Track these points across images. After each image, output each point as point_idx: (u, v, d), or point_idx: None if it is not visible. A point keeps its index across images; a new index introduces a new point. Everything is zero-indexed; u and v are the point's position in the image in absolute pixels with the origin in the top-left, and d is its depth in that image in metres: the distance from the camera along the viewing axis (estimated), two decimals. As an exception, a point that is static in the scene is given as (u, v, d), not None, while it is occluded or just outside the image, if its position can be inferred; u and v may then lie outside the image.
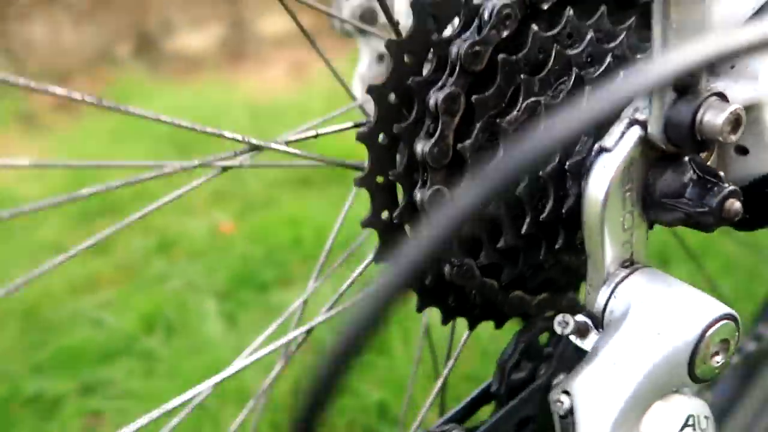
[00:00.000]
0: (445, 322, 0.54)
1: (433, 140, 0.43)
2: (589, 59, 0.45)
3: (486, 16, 0.42)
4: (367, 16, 0.69)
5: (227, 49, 4.04)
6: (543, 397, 0.56)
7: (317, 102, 3.37)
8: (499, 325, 0.57)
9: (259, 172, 2.58)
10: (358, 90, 0.73)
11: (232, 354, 1.59)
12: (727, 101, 0.36)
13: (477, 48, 0.42)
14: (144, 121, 0.43)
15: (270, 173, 2.56)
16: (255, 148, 0.45)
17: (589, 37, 0.45)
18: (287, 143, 0.47)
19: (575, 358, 0.56)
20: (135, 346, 1.62)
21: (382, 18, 0.70)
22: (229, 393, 1.35)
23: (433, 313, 1.08)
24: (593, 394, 0.38)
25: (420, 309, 0.52)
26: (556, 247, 0.47)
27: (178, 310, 1.73)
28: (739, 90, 0.40)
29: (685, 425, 0.39)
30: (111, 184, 0.39)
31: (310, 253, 1.89)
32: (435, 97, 0.42)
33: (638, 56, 0.47)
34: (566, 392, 0.40)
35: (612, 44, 0.46)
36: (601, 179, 0.39)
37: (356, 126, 0.48)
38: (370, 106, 0.73)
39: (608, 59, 0.45)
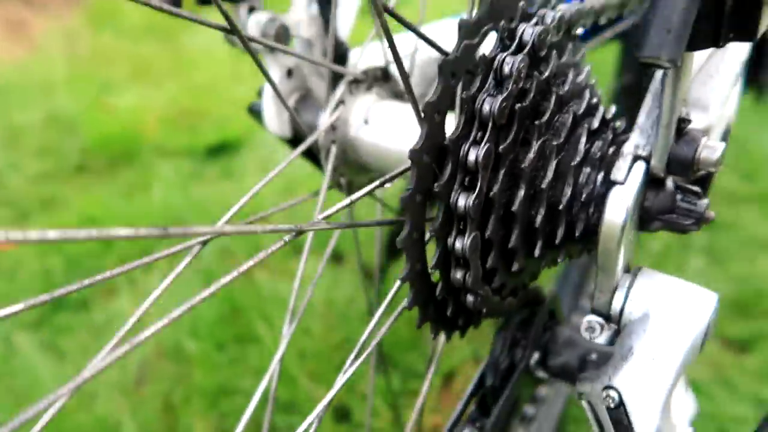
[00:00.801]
0: (449, 338, 0.58)
1: (474, 193, 0.45)
2: (572, 95, 0.50)
3: (506, 71, 0.44)
4: (281, 34, 0.64)
5: None
6: (525, 377, 0.65)
7: (59, 73, 2.90)
8: (477, 326, 0.63)
9: (16, 167, 2.18)
10: (271, 107, 0.69)
11: (78, 405, 1.39)
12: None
13: (505, 103, 0.44)
14: None
15: (32, 165, 2.18)
16: (301, 233, 0.42)
17: (570, 75, 0.50)
18: (325, 219, 0.44)
19: (545, 338, 0.65)
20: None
21: (293, 32, 0.66)
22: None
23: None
24: (641, 386, 0.46)
25: (435, 335, 0.55)
26: (558, 260, 0.54)
27: (-19, 355, 1.44)
28: (694, 120, 0.49)
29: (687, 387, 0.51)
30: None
31: (126, 255, 1.70)
32: (475, 154, 0.44)
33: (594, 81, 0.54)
34: (610, 387, 0.48)
35: (581, 77, 0.52)
36: (619, 208, 0.46)
37: (388, 180, 0.47)
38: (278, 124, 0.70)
39: (586, 92, 0.51)
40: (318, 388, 1.35)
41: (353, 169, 0.66)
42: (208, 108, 2.54)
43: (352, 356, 0.52)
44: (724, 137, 0.53)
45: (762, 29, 0.37)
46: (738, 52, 0.50)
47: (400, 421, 1.23)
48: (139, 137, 2.29)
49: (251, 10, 0.65)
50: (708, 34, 0.36)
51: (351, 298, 1.53)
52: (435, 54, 0.52)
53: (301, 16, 0.67)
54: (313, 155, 0.65)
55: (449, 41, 0.64)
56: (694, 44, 0.36)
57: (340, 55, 0.69)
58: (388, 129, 0.62)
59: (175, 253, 0.49)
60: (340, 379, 0.52)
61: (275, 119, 0.69)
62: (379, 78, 0.65)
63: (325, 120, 0.61)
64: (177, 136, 2.32)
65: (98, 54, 3.17)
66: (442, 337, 0.69)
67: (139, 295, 1.62)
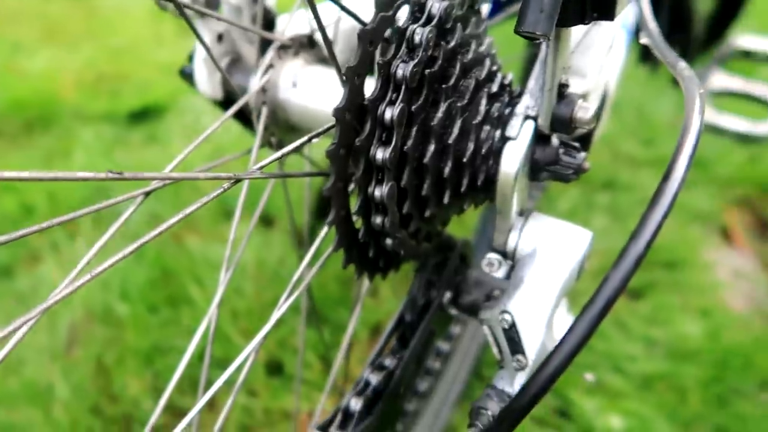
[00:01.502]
0: (372, 279, 0.65)
1: (390, 147, 0.51)
2: (474, 62, 0.58)
3: (417, 40, 0.51)
4: (211, 1, 0.68)
5: None
6: (439, 314, 0.73)
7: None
8: (397, 270, 0.71)
9: None
10: (203, 70, 0.72)
11: (5, 370, 1.39)
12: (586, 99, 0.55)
13: (416, 69, 0.51)
14: None
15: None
16: (238, 181, 0.47)
17: (473, 45, 0.58)
18: (261, 169, 0.49)
19: (456, 279, 0.74)
20: None
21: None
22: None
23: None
24: (529, 309, 0.56)
25: (359, 275, 0.62)
26: (464, 207, 0.62)
27: None
28: (574, 85, 0.58)
29: (569, 309, 0.61)
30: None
31: (49, 221, 1.66)
32: (390, 113, 0.51)
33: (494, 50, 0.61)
34: (505, 311, 0.57)
35: (483, 47, 0.59)
36: (513, 160, 0.55)
37: (315, 136, 0.53)
38: (210, 87, 0.74)
39: (487, 60, 0.59)
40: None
41: (283, 128, 0.72)
42: (128, 71, 2.47)
43: (285, 294, 0.58)
44: (603, 101, 0.63)
45: (619, 10, 0.45)
46: (610, 28, 0.59)
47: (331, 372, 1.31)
48: (55, 101, 2.21)
49: (182, -24, 0.68)
50: (575, 13, 0.44)
51: (281, 259, 1.59)
52: (358, 24, 0.58)
53: (229, -18, 0.71)
54: (244, 116, 0.69)
55: (369, 11, 0.71)
56: (564, 21, 0.44)
57: (268, 21, 0.74)
58: (315, 92, 0.68)
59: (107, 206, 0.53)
60: (275, 315, 0.58)
61: (207, 82, 0.73)
62: (305, 44, 0.71)
63: (255, 83, 0.66)
64: (97, 100, 2.26)
65: (2, 14, 2.98)
66: (363, 286, 0.76)
67: (63, 261, 1.60)
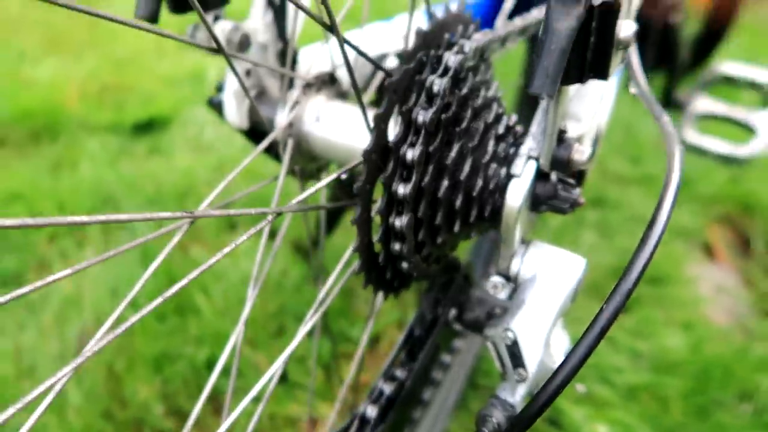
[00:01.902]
0: (386, 297, 0.72)
1: (411, 184, 0.58)
2: (483, 106, 0.65)
3: (435, 90, 0.58)
4: (243, 42, 0.74)
5: None
6: (444, 330, 0.80)
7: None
8: (408, 288, 0.77)
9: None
10: (232, 102, 0.79)
11: (18, 374, 1.43)
12: (581, 143, 0.62)
13: (434, 116, 0.58)
14: None
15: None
16: (280, 214, 0.53)
17: (482, 92, 0.65)
18: (298, 203, 0.56)
19: (461, 297, 0.81)
20: None
21: (251, 38, 0.76)
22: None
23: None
24: (530, 327, 0.63)
25: (376, 293, 0.69)
26: (471, 235, 0.69)
27: None
28: (571, 129, 0.65)
29: (564, 328, 0.68)
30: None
31: (55, 231, 1.72)
32: (411, 154, 0.57)
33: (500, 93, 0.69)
34: (508, 329, 0.64)
35: (491, 92, 0.67)
36: (516, 195, 0.62)
37: (344, 172, 0.60)
38: (237, 117, 0.81)
39: (494, 105, 0.66)
40: (256, 353, 1.47)
41: (305, 158, 0.78)
42: (132, 82, 2.52)
43: (312, 310, 0.65)
44: (595, 142, 0.70)
45: (612, 71, 0.53)
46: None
47: (336, 380, 1.38)
48: (60, 111, 2.26)
49: (216, 18, 0.75)
50: (575, 75, 0.51)
51: (284, 271, 1.65)
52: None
53: (257, 23, 0.78)
54: (271, 147, 0.76)
55: (381, 43, 0.78)
56: (566, 81, 0.51)
57: (292, 59, 0.81)
58: (336, 126, 0.75)
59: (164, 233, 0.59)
60: (302, 330, 0.64)
61: (235, 113, 0.79)
62: (326, 81, 0.77)
63: (283, 118, 0.73)
64: (101, 111, 2.31)
65: (5, 22, 3.02)
66: (377, 303, 0.83)
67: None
